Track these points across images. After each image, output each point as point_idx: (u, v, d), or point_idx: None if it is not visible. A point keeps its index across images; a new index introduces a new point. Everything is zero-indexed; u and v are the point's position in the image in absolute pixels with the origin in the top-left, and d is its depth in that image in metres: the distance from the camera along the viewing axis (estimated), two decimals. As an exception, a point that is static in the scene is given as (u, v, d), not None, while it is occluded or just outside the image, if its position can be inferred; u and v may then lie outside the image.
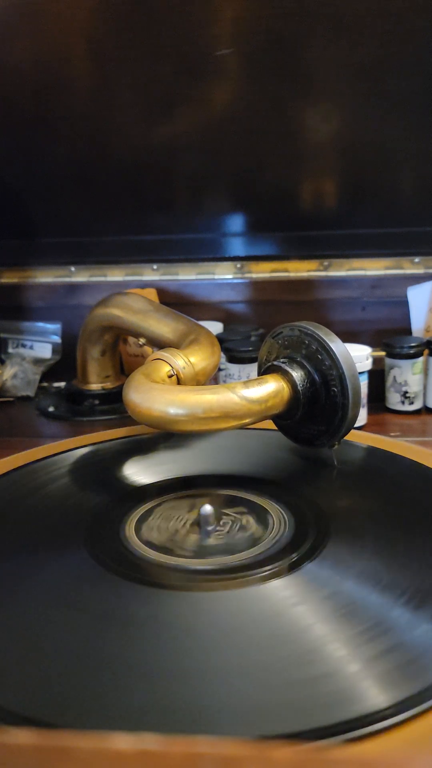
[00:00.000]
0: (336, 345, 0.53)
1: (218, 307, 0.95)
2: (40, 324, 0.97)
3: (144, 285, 0.95)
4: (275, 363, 0.55)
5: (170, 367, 0.58)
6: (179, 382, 0.58)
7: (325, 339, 0.53)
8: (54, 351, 0.96)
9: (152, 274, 0.97)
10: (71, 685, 0.32)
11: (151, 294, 0.93)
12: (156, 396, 0.51)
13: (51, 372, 0.94)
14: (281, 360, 0.55)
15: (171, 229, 0.96)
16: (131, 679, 0.32)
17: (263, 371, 0.57)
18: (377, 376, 0.77)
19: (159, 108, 0.82)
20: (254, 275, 0.95)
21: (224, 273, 0.96)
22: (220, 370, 0.79)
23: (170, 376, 0.58)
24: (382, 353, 0.78)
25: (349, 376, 0.52)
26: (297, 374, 0.53)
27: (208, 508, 0.47)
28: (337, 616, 0.36)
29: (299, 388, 0.53)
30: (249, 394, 0.51)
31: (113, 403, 0.80)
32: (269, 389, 0.52)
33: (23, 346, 0.97)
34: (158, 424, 0.51)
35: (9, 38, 0.74)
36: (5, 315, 0.98)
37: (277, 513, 0.49)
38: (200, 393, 0.50)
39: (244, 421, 0.51)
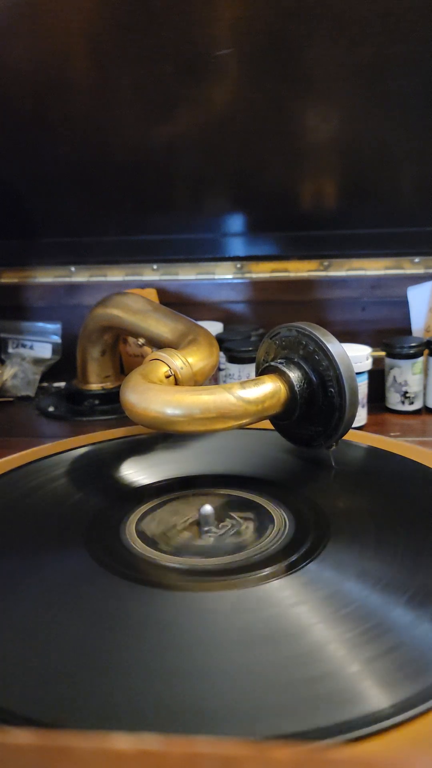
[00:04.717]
0: (333, 345, 0.52)
1: (218, 307, 0.95)
2: (40, 324, 0.97)
3: (144, 285, 0.95)
4: (272, 363, 0.55)
5: (168, 368, 0.58)
6: (177, 382, 0.58)
7: (322, 339, 0.53)
8: (54, 351, 0.96)
9: (152, 274, 0.97)
10: (71, 685, 0.32)
11: (151, 294, 0.93)
12: (153, 396, 0.51)
13: (51, 372, 0.94)
14: (278, 360, 0.55)
15: (171, 229, 0.96)
16: (131, 679, 0.32)
17: (260, 372, 0.57)
18: (377, 376, 0.77)
19: (159, 108, 0.82)
20: (254, 275, 0.95)
21: (224, 273, 0.96)
22: (220, 370, 0.79)
23: (168, 377, 0.58)
24: (382, 353, 0.78)
25: (346, 377, 0.52)
26: (294, 375, 0.53)
27: (207, 508, 0.47)
28: (337, 616, 0.36)
29: (296, 388, 0.53)
30: (246, 395, 0.50)
31: (113, 403, 0.80)
32: (266, 390, 0.52)
33: (23, 346, 0.97)
34: (155, 425, 0.51)
35: (9, 38, 0.74)
36: (5, 315, 0.98)
37: (277, 513, 0.49)
38: (197, 393, 0.50)
39: (241, 422, 0.51)
